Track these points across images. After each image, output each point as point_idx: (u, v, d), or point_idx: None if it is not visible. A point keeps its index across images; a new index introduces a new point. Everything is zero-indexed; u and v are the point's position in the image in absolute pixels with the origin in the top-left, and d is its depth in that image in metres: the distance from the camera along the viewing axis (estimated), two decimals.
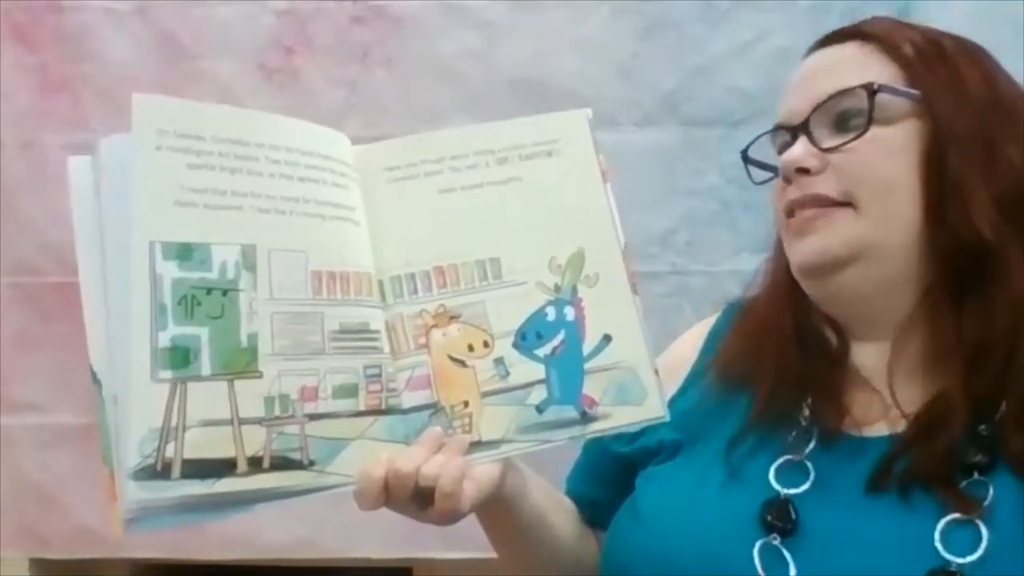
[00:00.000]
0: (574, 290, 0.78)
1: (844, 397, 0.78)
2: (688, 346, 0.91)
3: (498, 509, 0.78)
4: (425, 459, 0.71)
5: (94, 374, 0.68)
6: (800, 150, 0.78)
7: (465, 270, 0.78)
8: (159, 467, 0.65)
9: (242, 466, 0.68)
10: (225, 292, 0.70)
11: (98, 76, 1.48)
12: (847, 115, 0.77)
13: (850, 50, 0.80)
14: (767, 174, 0.85)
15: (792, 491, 0.75)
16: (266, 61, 1.48)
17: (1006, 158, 0.75)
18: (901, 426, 0.75)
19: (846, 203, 0.76)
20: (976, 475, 0.71)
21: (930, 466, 0.71)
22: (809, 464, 0.76)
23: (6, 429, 1.50)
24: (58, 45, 1.50)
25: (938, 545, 0.68)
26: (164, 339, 0.67)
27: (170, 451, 0.66)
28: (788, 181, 0.79)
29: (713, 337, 0.90)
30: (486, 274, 0.78)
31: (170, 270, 0.68)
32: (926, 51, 0.78)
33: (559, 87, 1.43)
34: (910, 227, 0.75)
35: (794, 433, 0.77)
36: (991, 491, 0.70)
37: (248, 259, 0.71)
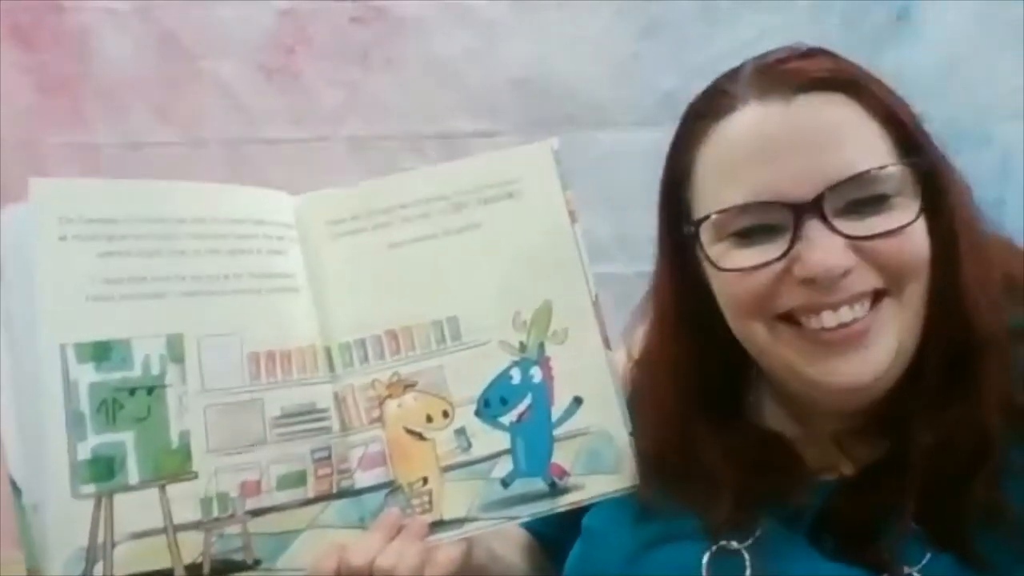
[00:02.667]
0: (541, 348, 0.73)
1: (801, 466, 0.72)
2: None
3: None
4: (380, 549, 0.67)
5: (13, 483, 0.64)
6: (835, 248, 0.64)
7: (420, 332, 0.72)
8: None
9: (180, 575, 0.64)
10: (150, 390, 0.65)
11: (98, 76, 1.48)
12: (872, 191, 0.66)
13: (836, 105, 0.67)
14: (732, 257, 0.68)
15: None
16: (266, 61, 1.48)
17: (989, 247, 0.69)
18: (847, 474, 0.71)
19: (884, 291, 0.66)
20: (913, 526, 0.66)
21: (860, 523, 0.67)
22: (746, 555, 0.69)
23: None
24: (58, 45, 1.50)
25: None
26: (84, 451, 0.62)
27: (98, 571, 0.61)
28: (809, 284, 0.65)
29: None
30: (443, 335, 0.72)
31: (86, 374, 0.63)
32: (908, 114, 0.69)
33: (559, 87, 1.43)
34: (921, 316, 0.68)
35: (727, 514, 0.70)
36: (927, 550, 0.65)
37: (175, 350, 0.66)
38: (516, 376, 0.73)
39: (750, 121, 0.68)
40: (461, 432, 0.72)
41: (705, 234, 0.69)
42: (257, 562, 0.67)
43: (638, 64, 1.43)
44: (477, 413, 0.72)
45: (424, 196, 0.74)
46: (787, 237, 0.66)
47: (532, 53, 1.44)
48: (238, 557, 0.66)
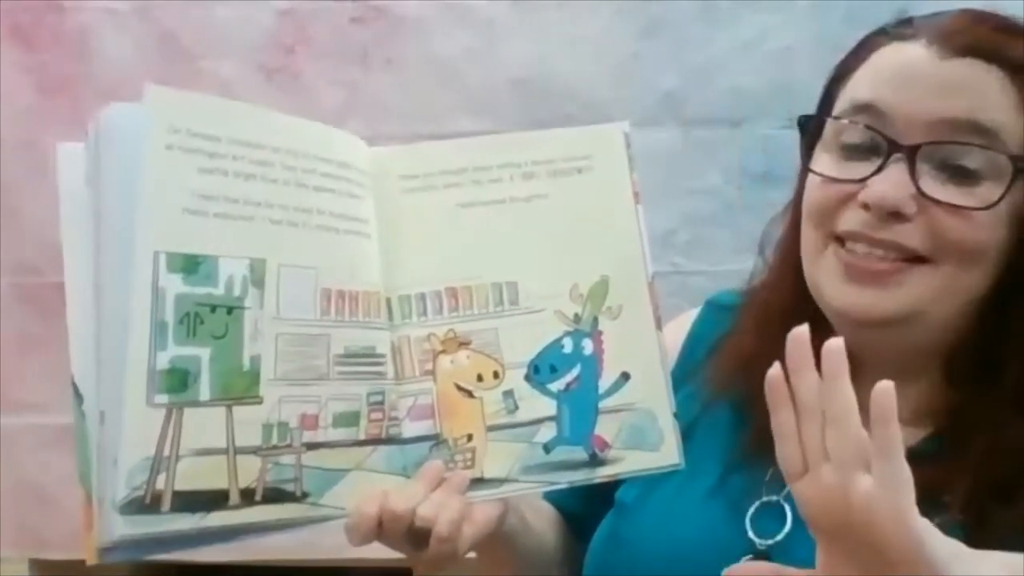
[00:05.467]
0: (595, 322, 0.74)
1: None
2: (668, 345, 0.85)
3: (495, 546, 0.76)
4: (422, 498, 0.69)
5: (75, 387, 0.64)
6: (900, 188, 0.68)
7: (479, 293, 0.74)
8: (148, 500, 0.62)
9: (234, 498, 0.65)
10: (230, 310, 0.65)
11: (98, 76, 1.49)
12: (968, 164, 0.69)
13: (994, 80, 0.69)
14: (828, 165, 0.73)
15: (768, 541, 0.72)
16: (266, 61, 1.48)
17: None
18: None
19: (925, 259, 0.69)
20: (950, 515, 0.67)
21: None
22: (786, 506, 0.73)
23: (6, 429, 1.50)
24: (58, 45, 1.50)
25: None
26: (163, 360, 0.63)
27: (161, 482, 0.62)
28: (867, 209, 0.70)
29: (695, 338, 0.86)
30: (502, 299, 0.74)
31: (174, 284, 0.63)
32: None
33: (559, 87, 1.43)
34: (970, 302, 0.71)
35: (771, 471, 0.74)
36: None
37: (257, 274, 0.67)
38: (568, 346, 0.74)
39: (909, 55, 0.72)
40: (509, 394, 0.74)
41: (824, 137, 0.74)
42: (305, 495, 0.68)
43: (638, 64, 1.44)
44: (526, 378, 0.74)
45: (496, 162, 0.76)
46: (875, 167, 0.70)
47: (532, 53, 1.45)
48: (289, 488, 0.67)
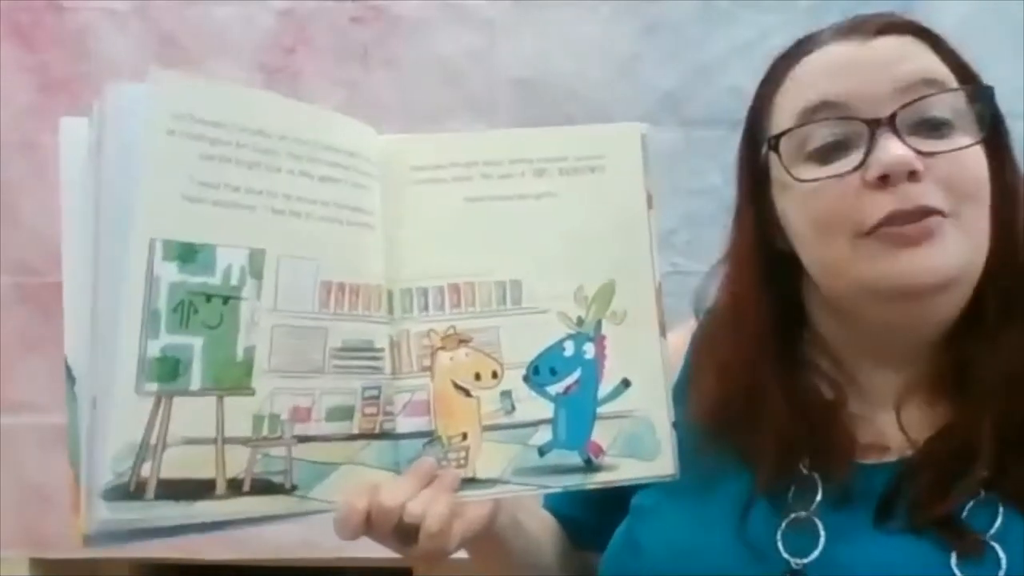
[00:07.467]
0: (598, 326, 0.73)
1: (850, 437, 0.74)
2: (672, 357, 0.83)
3: (486, 545, 0.75)
4: (412, 494, 0.68)
5: (68, 369, 0.64)
6: (905, 151, 0.68)
7: (483, 290, 0.73)
8: (132, 487, 0.61)
9: (221, 488, 0.64)
10: (226, 300, 0.65)
11: (98, 76, 1.49)
12: (939, 114, 0.70)
13: (914, 45, 0.73)
14: (811, 172, 0.72)
15: (803, 560, 0.71)
16: (266, 61, 1.48)
17: None
18: (908, 452, 0.73)
19: (945, 215, 0.69)
20: (983, 493, 0.69)
21: (934, 497, 0.69)
22: (817, 521, 0.72)
23: (6, 429, 1.51)
24: (58, 45, 1.50)
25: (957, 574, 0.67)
26: (154, 348, 0.62)
27: (146, 470, 0.62)
28: (884, 184, 0.69)
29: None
30: (505, 297, 0.73)
31: (169, 272, 0.63)
32: (962, 60, 0.74)
33: (559, 87, 1.43)
34: (985, 246, 0.71)
35: (794, 488, 0.73)
36: (1000, 512, 0.68)
37: (255, 265, 0.66)
38: (569, 349, 0.74)
39: (829, 53, 0.74)
40: (507, 395, 0.73)
41: (784, 155, 0.73)
42: (294, 487, 0.68)
43: (638, 64, 1.43)
44: (525, 379, 0.73)
45: (508, 156, 0.74)
46: (862, 151, 0.70)
47: (532, 53, 1.45)
48: (278, 480, 0.67)
